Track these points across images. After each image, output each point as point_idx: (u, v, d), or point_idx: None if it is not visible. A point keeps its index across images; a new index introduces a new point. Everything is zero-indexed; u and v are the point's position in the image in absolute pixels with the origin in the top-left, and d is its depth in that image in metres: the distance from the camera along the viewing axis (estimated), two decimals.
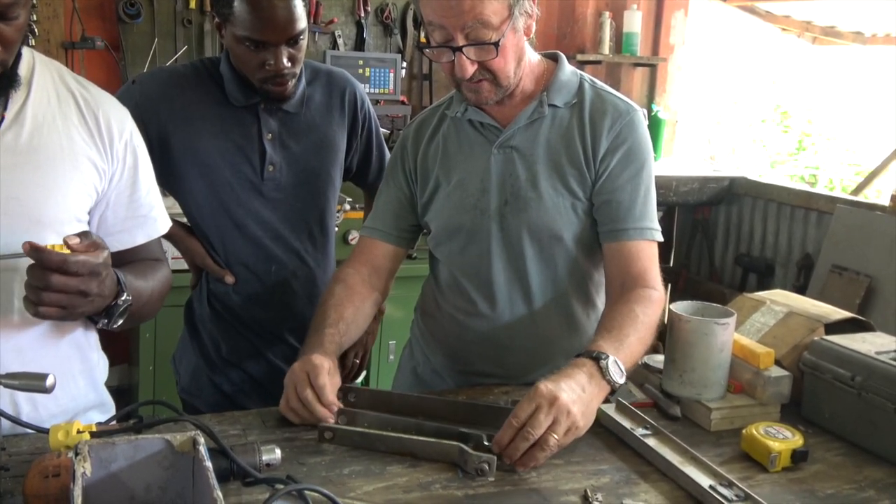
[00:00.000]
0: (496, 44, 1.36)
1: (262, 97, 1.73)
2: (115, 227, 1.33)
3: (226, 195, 1.76)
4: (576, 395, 1.21)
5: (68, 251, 1.10)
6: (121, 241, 1.33)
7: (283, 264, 1.84)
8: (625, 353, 1.32)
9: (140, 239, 1.35)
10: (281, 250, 1.83)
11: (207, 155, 1.73)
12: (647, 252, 1.48)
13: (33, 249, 1.07)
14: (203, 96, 1.73)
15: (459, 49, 1.36)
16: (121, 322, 1.23)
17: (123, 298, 1.21)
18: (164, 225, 1.40)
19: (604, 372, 1.26)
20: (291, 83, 1.70)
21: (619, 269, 1.48)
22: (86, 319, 1.33)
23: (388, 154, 1.94)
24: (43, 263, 1.08)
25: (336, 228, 3.14)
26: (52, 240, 1.23)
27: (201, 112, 1.73)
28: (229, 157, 1.74)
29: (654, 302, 1.43)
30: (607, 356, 1.28)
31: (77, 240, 1.12)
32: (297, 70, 1.70)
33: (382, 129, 2.04)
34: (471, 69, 1.38)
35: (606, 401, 1.40)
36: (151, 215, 1.37)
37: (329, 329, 1.43)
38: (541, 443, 1.17)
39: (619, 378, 1.28)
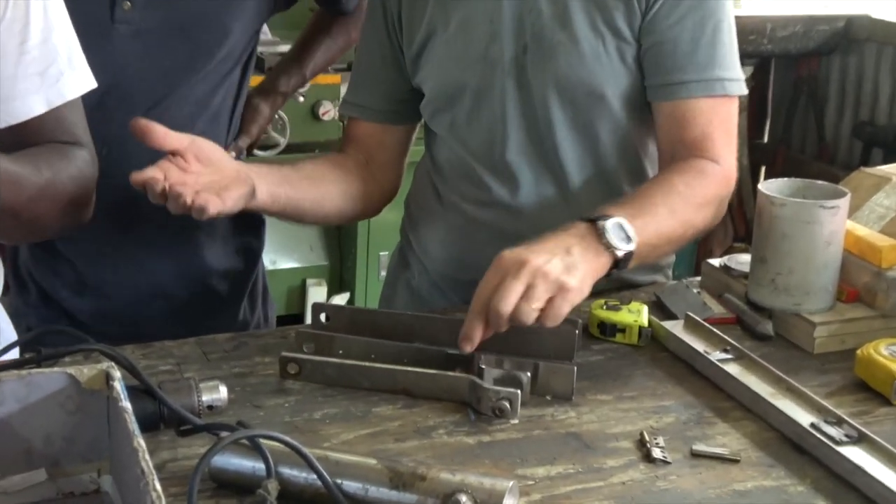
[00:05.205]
0: None
1: None
2: (3, 93, 1.29)
3: None
4: (551, 256, 1.23)
5: None
6: (12, 113, 1.29)
7: (122, 146, 1.62)
8: (643, 221, 1.32)
9: (38, 107, 1.30)
10: (120, 120, 1.60)
11: None
12: (710, 112, 1.47)
13: None
14: None
15: None
16: None
17: None
18: (78, 84, 1.34)
19: (600, 233, 1.28)
20: None
21: (670, 135, 1.49)
22: None
23: None
24: None
25: (302, 100, 3.17)
26: None
27: None
28: None
29: (710, 176, 1.44)
30: (608, 216, 1.29)
31: None
32: None
33: None
34: None
35: (672, 316, 1.41)
36: (51, 72, 1.30)
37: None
38: (514, 316, 1.21)
39: (623, 243, 1.29)
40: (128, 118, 1.59)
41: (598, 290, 1.35)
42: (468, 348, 1.24)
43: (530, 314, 1.21)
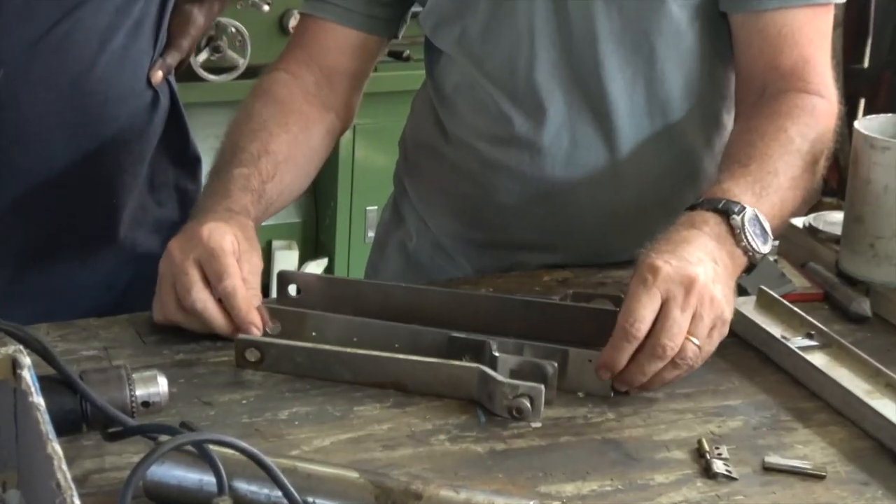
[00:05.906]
0: None
1: None
2: None
3: None
4: (713, 272, 1.24)
5: None
6: None
7: (22, 69, 1.63)
8: (770, 201, 1.34)
9: None
10: (18, 34, 1.62)
11: None
12: (810, 27, 1.48)
13: None
14: None
15: None
16: None
17: None
18: None
19: (737, 234, 1.29)
20: None
21: (758, 58, 1.50)
22: None
23: None
24: None
25: (267, 8, 3.16)
26: None
27: None
28: None
29: (820, 118, 1.45)
30: (743, 207, 1.30)
31: None
32: None
33: None
34: None
35: (742, 291, 1.42)
36: None
37: (240, 169, 1.44)
38: (676, 356, 1.20)
39: (763, 244, 1.31)
40: (29, 31, 1.60)
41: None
42: (608, 375, 1.23)
43: (692, 351, 1.21)
